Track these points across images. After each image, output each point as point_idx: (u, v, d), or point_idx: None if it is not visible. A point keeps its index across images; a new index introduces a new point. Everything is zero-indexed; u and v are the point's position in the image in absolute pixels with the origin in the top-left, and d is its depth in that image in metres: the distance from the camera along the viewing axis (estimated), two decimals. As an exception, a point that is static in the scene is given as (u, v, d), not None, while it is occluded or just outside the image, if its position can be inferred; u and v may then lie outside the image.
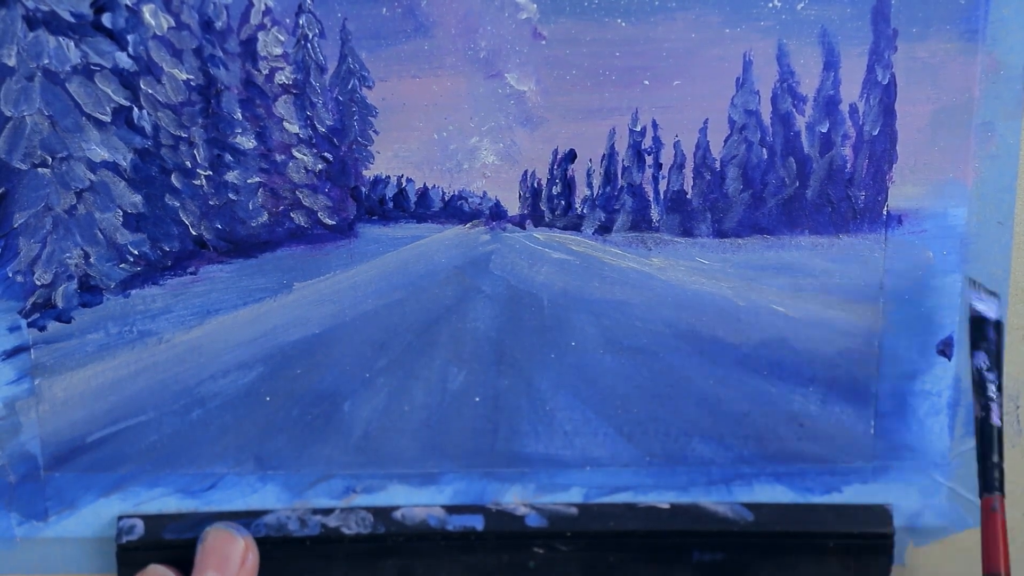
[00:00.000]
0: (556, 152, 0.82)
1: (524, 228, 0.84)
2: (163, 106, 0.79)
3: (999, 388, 0.82)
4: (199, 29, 0.78)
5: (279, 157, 0.81)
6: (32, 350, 0.84)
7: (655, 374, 0.87)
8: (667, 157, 0.82)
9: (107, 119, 0.79)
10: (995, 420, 0.81)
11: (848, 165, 0.82)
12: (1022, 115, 0.82)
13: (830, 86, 0.81)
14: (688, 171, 0.83)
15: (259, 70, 0.79)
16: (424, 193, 0.82)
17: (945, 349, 0.86)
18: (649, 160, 0.82)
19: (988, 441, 0.81)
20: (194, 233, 0.82)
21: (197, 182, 0.81)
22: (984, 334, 0.83)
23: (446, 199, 0.83)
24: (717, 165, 0.82)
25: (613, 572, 0.89)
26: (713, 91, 0.81)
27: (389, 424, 0.87)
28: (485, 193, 0.83)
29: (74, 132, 0.79)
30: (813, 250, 0.84)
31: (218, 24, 0.78)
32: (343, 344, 0.85)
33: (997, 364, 0.82)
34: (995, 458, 0.80)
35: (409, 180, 0.82)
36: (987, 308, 0.83)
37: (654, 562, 0.89)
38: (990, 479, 0.79)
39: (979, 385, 0.82)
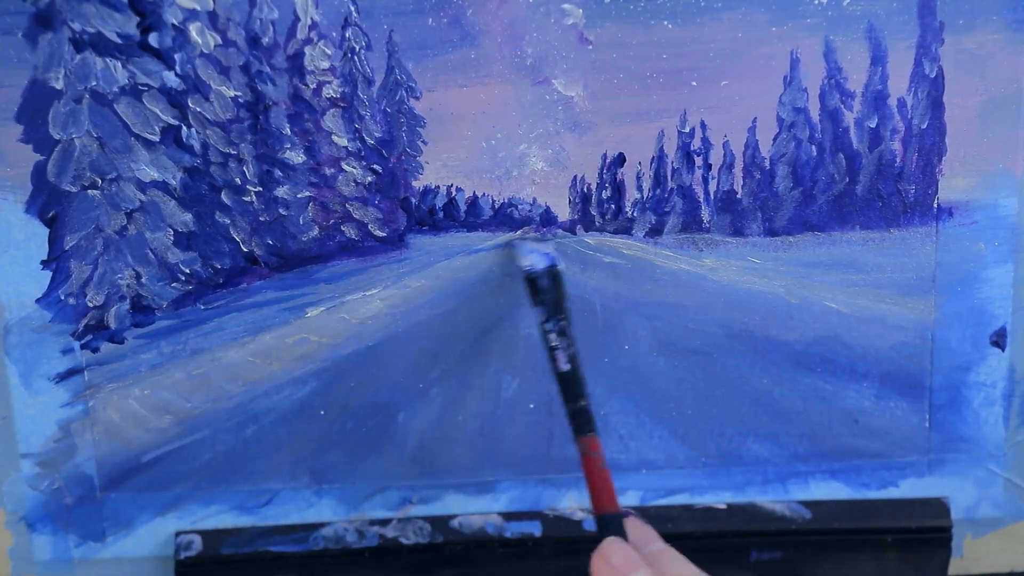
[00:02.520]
0: (605, 156, 0.82)
1: (575, 233, 0.84)
2: (212, 124, 0.79)
3: (560, 333, 0.79)
4: (246, 46, 0.78)
5: (328, 171, 0.81)
6: (86, 372, 0.83)
7: (708, 375, 0.86)
8: (716, 157, 0.82)
9: (156, 138, 0.79)
10: (562, 366, 0.78)
11: (897, 159, 0.82)
12: (1069, 103, 0.81)
13: (878, 81, 0.81)
14: (738, 171, 0.82)
15: (307, 84, 0.79)
16: (474, 202, 0.82)
17: (999, 340, 0.86)
18: (698, 161, 0.82)
19: (563, 387, 0.78)
20: (245, 250, 0.82)
21: (247, 198, 0.81)
22: (536, 287, 0.80)
23: (496, 207, 0.82)
24: (767, 164, 0.82)
25: (672, 574, 0.89)
26: (761, 90, 0.81)
27: (444, 434, 0.87)
28: (535, 200, 0.83)
29: (123, 153, 0.79)
30: (864, 245, 0.84)
31: (265, 40, 0.78)
32: (396, 356, 0.85)
33: (555, 311, 0.79)
34: (580, 403, 0.78)
35: (459, 189, 0.82)
36: (535, 261, 0.80)
37: (713, 563, 0.88)
38: (582, 423, 0.77)
39: (543, 336, 0.79)
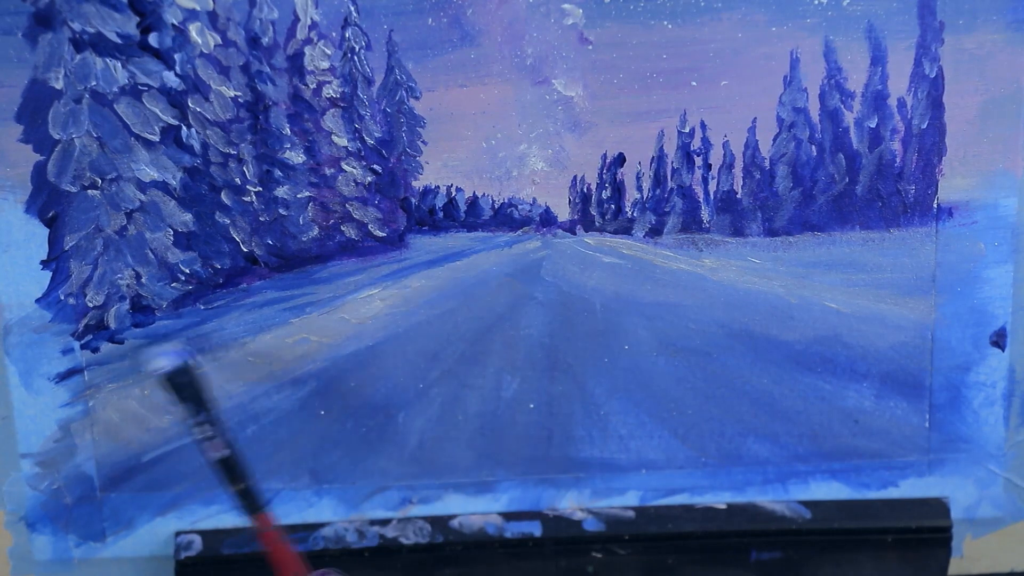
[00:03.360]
0: (605, 156, 0.82)
1: (575, 233, 0.84)
2: (211, 124, 0.79)
3: (207, 424, 0.78)
4: (246, 46, 0.78)
5: (328, 171, 0.81)
6: (86, 372, 0.83)
7: (708, 375, 0.86)
8: (716, 157, 0.82)
9: (156, 139, 0.79)
10: (220, 453, 0.78)
11: (897, 159, 0.82)
12: (1069, 103, 0.81)
13: (878, 81, 0.81)
14: (738, 171, 0.82)
15: (306, 84, 0.79)
16: (474, 202, 0.82)
17: (999, 340, 0.86)
18: (698, 161, 0.82)
19: (227, 473, 0.78)
20: (245, 250, 0.82)
21: (247, 198, 0.81)
22: (175, 388, 0.77)
23: (496, 207, 0.82)
24: (767, 164, 0.82)
25: (672, 574, 0.89)
26: (761, 90, 0.81)
27: (444, 434, 0.87)
28: (535, 200, 0.83)
29: (123, 153, 0.79)
30: (864, 245, 0.84)
31: (265, 40, 0.78)
32: (396, 356, 0.85)
33: (196, 404, 0.77)
34: (246, 483, 0.78)
35: (459, 189, 0.82)
36: (164, 363, 0.77)
37: (713, 563, 0.89)
38: (252, 502, 0.78)
39: (193, 433, 0.78)
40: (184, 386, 0.77)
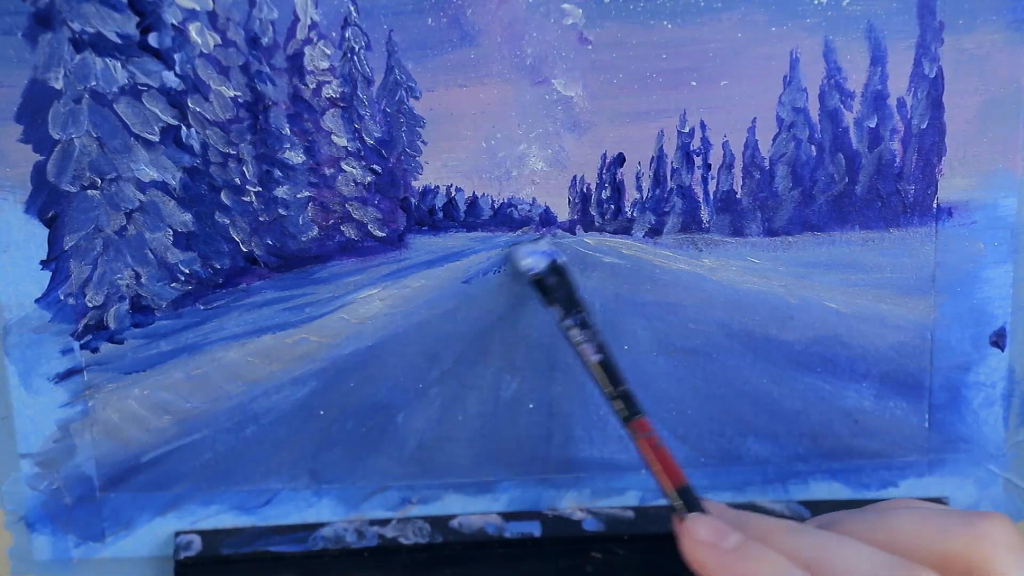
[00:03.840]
0: (605, 156, 0.82)
1: (574, 233, 0.84)
2: (211, 124, 0.79)
3: (582, 326, 0.78)
4: (246, 46, 0.78)
5: (328, 171, 0.81)
6: (85, 372, 0.83)
7: (708, 375, 0.86)
8: (716, 157, 0.82)
9: (155, 139, 0.79)
10: (593, 357, 0.77)
11: (897, 159, 0.82)
12: (1069, 103, 0.82)
13: (877, 81, 0.81)
14: (737, 171, 0.83)
15: (306, 84, 0.79)
16: (473, 202, 0.82)
17: (998, 340, 0.86)
18: (698, 161, 0.82)
19: (599, 378, 0.77)
20: (244, 250, 0.82)
21: (247, 199, 0.81)
22: (545, 287, 0.80)
23: (496, 207, 0.83)
24: (766, 164, 0.82)
25: (671, 574, 0.89)
26: (760, 90, 0.81)
27: (443, 434, 0.87)
28: (534, 200, 0.83)
29: (122, 153, 0.79)
30: (864, 245, 0.84)
31: (264, 40, 0.78)
32: (396, 356, 0.85)
33: (569, 305, 0.79)
34: (622, 387, 0.77)
35: (458, 189, 0.82)
36: (535, 263, 0.80)
37: (712, 562, 0.89)
38: (629, 407, 0.76)
39: (566, 337, 0.79)
40: (555, 286, 0.79)
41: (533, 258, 0.80)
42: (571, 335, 0.79)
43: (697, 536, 0.70)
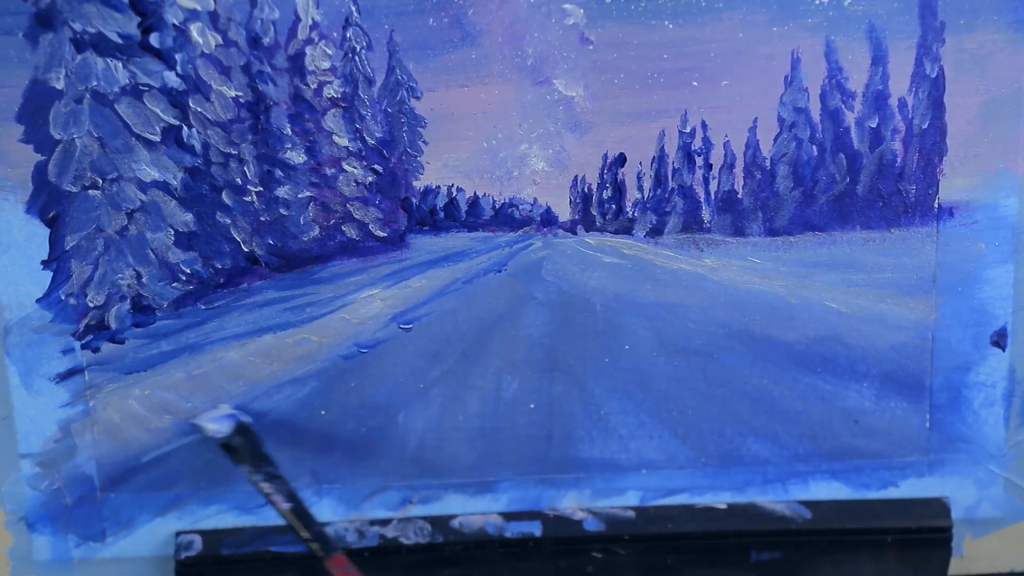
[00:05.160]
0: (606, 156, 0.82)
1: (575, 233, 0.84)
2: (212, 124, 0.79)
3: (270, 479, 0.83)
4: (247, 46, 0.78)
5: (329, 171, 0.81)
6: (86, 372, 0.83)
7: (709, 375, 0.86)
8: (717, 157, 0.82)
9: (157, 139, 0.78)
10: (283, 506, 0.82)
11: (898, 159, 0.82)
12: (1070, 103, 0.82)
13: (879, 81, 0.81)
14: (738, 171, 0.82)
15: (307, 84, 0.79)
16: (475, 202, 0.82)
17: (999, 340, 0.86)
18: (699, 161, 0.82)
19: (296, 521, 0.83)
20: (246, 250, 0.82)
21: (248, 198, 0.81)
22: (233, 449, 0.83)
23: (497, 207, 0.82)
24: (767, 164, 0.82)
25: (672, 574, 0.89)
26: (762, 90, 0.81)
27: (444, 434, 0.87)
28: (536, 200, 0.83)
29: (124, 153, 0.79)
30: (865, 245, 0.84)
31: (266, 40, 0.78)
32: (396, 356, 0.85)
33: (256, 461, 0.82)
34: (315, 528, 0.83)
35: (459, 189, 0.82)
36: (220, 428, 0.82)
37: (712, 563, 0.89)
38: (325, 546, 0.82)
39: (257, 488, 0.84)
40: (242, 446, 0.80)
41: (218, 424, 0.82)
42: (262, 487, 0.81)
43: None
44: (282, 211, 0.81)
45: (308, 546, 0.80)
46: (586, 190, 0.82)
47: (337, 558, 0.78)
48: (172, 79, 0.78)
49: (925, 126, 0.81)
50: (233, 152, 0.79)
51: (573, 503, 0.89)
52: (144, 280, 0.81)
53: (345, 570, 0.78)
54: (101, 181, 0.79)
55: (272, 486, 0.80)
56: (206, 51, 0.77)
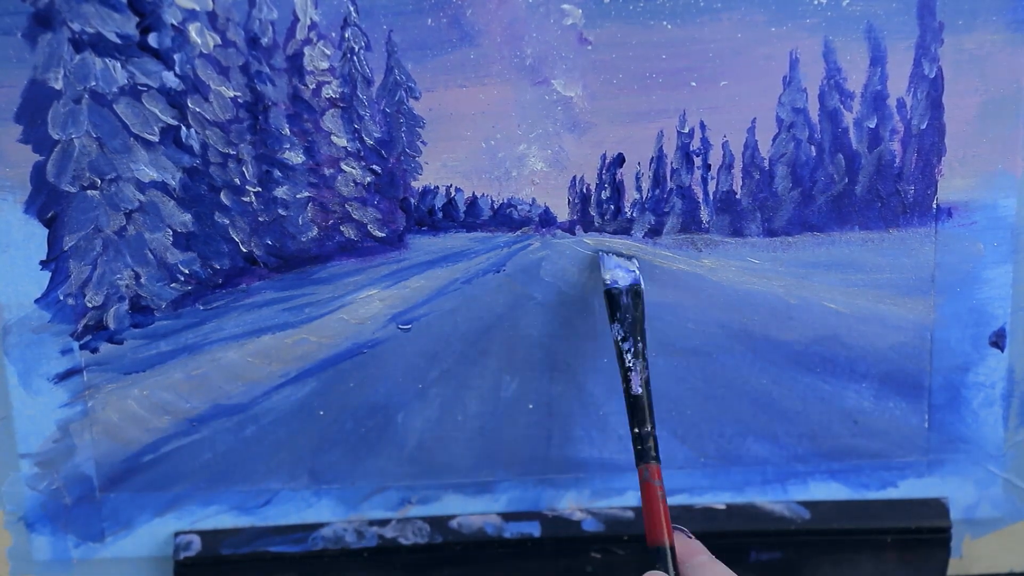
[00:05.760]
0: (604, 157, 0.82)
1: (574, 234, 0.84)
2: (211, 124, 0.79)
3: (636, 355, 0.79)
4: (245, 46, 0.78)
5: (328, 171, 0.81)
6: (85, 372, 0.83)
7: (708, 375, 0.86)
8: (716, 158, 0.82)
9: (155, 139, 0.79)
10: (635, 389, 0.78)
11: (897, 160, 0.82)
12: (1069, 104, 0.81)
13: (877, 81, 0.81)
14: (737, 171, 0.83)
15: (306, 85, 0.79)
16: (473, 202, 0.82)
17: (998, 340, 0.86)
18: (698, 161, 0.82)
19: (634, 411, 0.77)
20: (244, 250, 0.82)
21: (246, 199, 0.81)
22: (617, 303, 0.80)
23: (495, 207, 0.83)
24: (766, 164, 0.82)
25: (671, 574, 0.89)
26: (760, 90, 0.81)
27: (443, 434, 0.87)
28: (534, 200, 0.83)
29: (122, 153, 0.79)
30: (863, 245, 0.84)
31: (264, 40, 0.78)
32: (396, 356, 0.85)
33: (633, 331, 0.79)
34: (646, 428, 0.76)
35: (458, 190, 0.82)
36: (619, 277, 0.81)
37: (712, 563, 0.89)
38: (642, 450, 0.76)
39: (618, 355, 0.79)
40: (627, 307, 0.79)
41: (617, 272, 0.81)
42: (625, 358, 0.79)
43: None
44: (280, 211, 0.81)
45: (633, 437, 0.76)
46: (584, 190, 0.82)
47: (654, 467, 0.75)
48: (170, 79, 0.78)
49: (924, 126, 0.81)
50: (231, 152, 0.79)
51: (572, 503, 0.89)
52: (142, 280, 0.81)
53: (658, 483, 0.74)
54: (100, 181, 0.79)
55: (636, 362, 0.78)
56: (204, 51, 0.77)
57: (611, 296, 0.81)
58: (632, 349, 0.79)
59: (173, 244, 0.81)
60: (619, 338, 0.79)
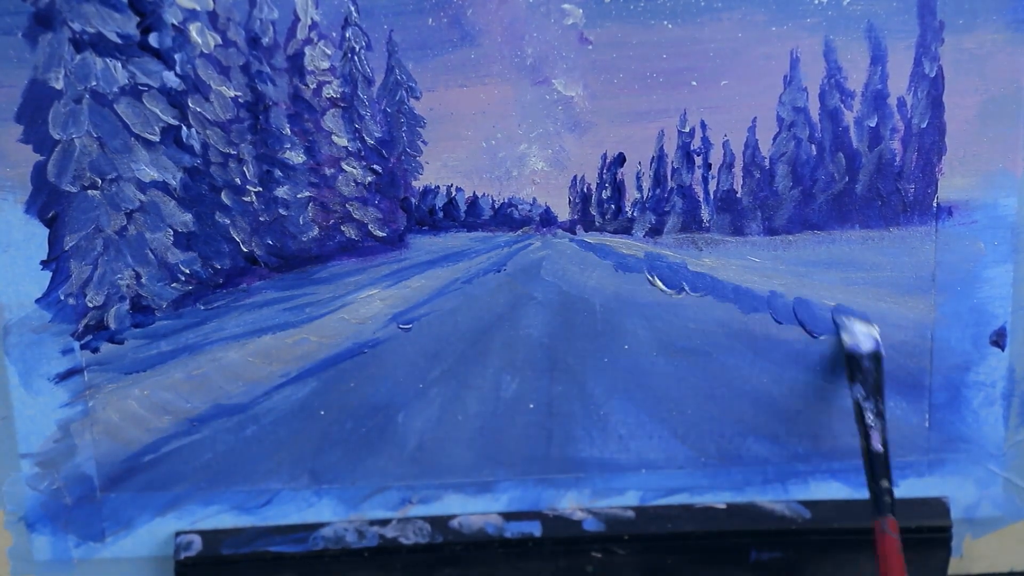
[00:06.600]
0: (605, 156, 0.82)
1: (575, 233, 0.84)
2: (212, 124, 0.79)
3: (877, 415, 0.82)
4: (246, 46, 0.78)
5: (328, 171, 0.81)
6: (85, 372, 0.83)
7: (708, 375, 0.86)
8: (716, 157, 0.82)
9: (156, 139, 0.79)
10: (876, 447, 0.81)
11: (897, 158, 0.82)
12: (1069, 103, 0.81)
13: (877, 80, 0.81)
14: (738, 170, 0.83)
15: (307, 84, 0.79)
16: (474, 202, 0.82)
17: (998, 339, 0.86)
18: (698, 161, 0.82)
19: (874, 467, 0.81)
20: (245, 250, 0.82)
21: (247, 199, 0.81)
22: (859, 366, 0.83)
23: (496, 207, 0.83)
24: (766, 163, 0.82)
25: (671, 574, 0.89)
26: (761, 89, 0.81)
27: (443, 434, 0.87)
28: (535, 200, 0.83)
29: (123, 153, 0.79)
30: (864, 244, 0.84)
31: (265, 40, 0.78)
32: (396, 356, 0.85)
33: (874, 392, 0.82)
34: (884, 483, 0.80)
35: (459, 189, 0.82)
36: (861, 342, 0.83)
37: (712, 563, 0.89)
38: (881, 503, 0.79)
39: (859, 414, 0.82)
40: (868, 371, 0.82)
41: (860, 337, 0.84)
42: (866, 416, 0.82)
43: None
44: (281, 211, 0.81)
45: (872, 494, 0.80)
46: (585, 190, 0.82)
47: (891, 521, 0.78)
48: (171, 79, 0.78)
49: (924, 125, 0.81)
50: (232, 152, 0.79)
51: (573, 503, 0.89)
52: (143, 280, 0.81)
53: (896, 535, 0.78)
54: (100, 181, 0.79)
55: (877, 422, 0.81)
56: (205, 51, 0.77)
57: (854, 359, 0.84)
58: (874, 409, 0.82)
59: (174, 244, 0.81)
60: (861, 397, 0.82)
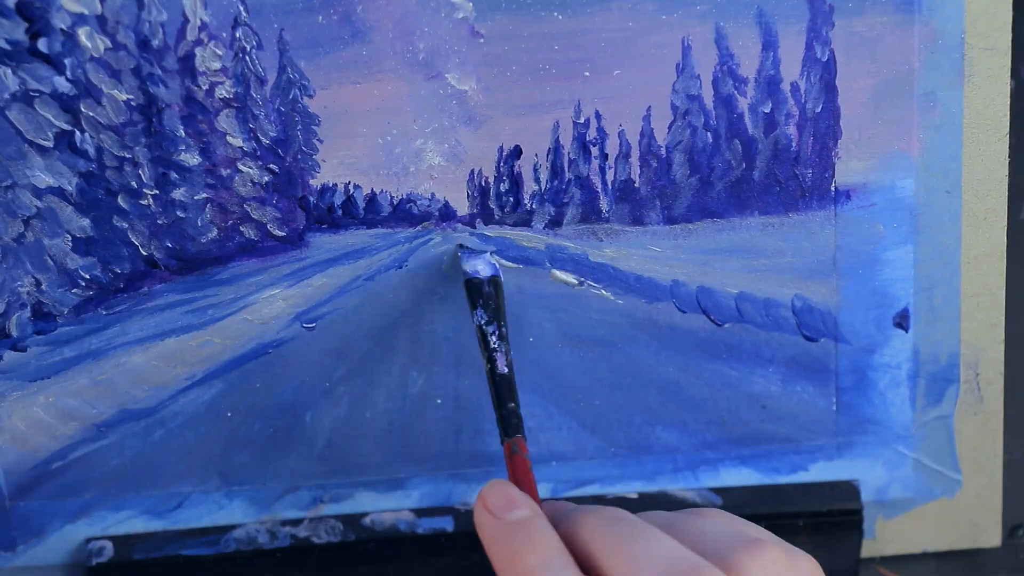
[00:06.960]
0: (501, 149, 0.82)
1: (474, 227, 0.84)
2: (105, 128, 0.79)
3: (500, 338, 0.80)
4: (136, 49, 0.78)
5: (225, 172, 0.81)
6: (-11, 381, 0.83)
7: (614, 365, 0.87)
8: (612, 147, 0.83)
9: (50, 144, 0.78)
10: (501, 369, 0.79)
11: (793, 144, 0.83)
12: (963, 83, 0.82)
13: (770, 66, 0.82)
14: (634, 160, 0.83)
15: (199, 86, 0.79)
16: (372, 199, 0.82)
17: (902, 321, 0.86)
18: (595, 151, 0.83)
19: (499, 390, 0.78)
20: (144, 253, 0.82)
21: (144, 202, 0.81)
22: (480, 292, 0.82)
23: (395, 203, 0.83)
24: (663, 152, 0.83)
25: (586, 565, 0.89)
26: (654, 78, 0.81)
27: (352, 432, 0.87)
28: (433, 195, 0.83)
29: (17, 160, 0.78)
30: (763, 230, 0.85)
31: (155, 42, 0.78)
32: (301, 355, 0.85)
33: (496, 317, 0.81)
34: (511, 405, 0.77)
35: (356, 186, 0.82)
36: (480, 269, 0.82)
37: (626, 552, 0.89)
38: (509, 425, 0.76)
39: (482, 339, 0.80)
40: (488, 296, 0.81)
41: (477, 264, 0.83)
42: (490, 340, 0.80)
43: (487, 502, 0.68)
44: (179, 213, 0.81)
45: (498, 421, 0.77)
46: (483, 183, 0.82)
47: (520, 441, 0.75)
48: (62, 84, 0.77)
49: (818, 110, 0.82)
50: (127, 156, 0.79)
51: (485, 497, 0.88)
52: (43, 287, 0.81)
53: (525, 455, 0.74)
54: (-5, 188, 0.79)
55: (501, 344, 0.79)
56: (95, 55, 0.77)
57: (473, 286, 0.82)
58: (495, 332, 0.79)
59: (72, 249, 0.81)
60: (483, 322, 0.80)
